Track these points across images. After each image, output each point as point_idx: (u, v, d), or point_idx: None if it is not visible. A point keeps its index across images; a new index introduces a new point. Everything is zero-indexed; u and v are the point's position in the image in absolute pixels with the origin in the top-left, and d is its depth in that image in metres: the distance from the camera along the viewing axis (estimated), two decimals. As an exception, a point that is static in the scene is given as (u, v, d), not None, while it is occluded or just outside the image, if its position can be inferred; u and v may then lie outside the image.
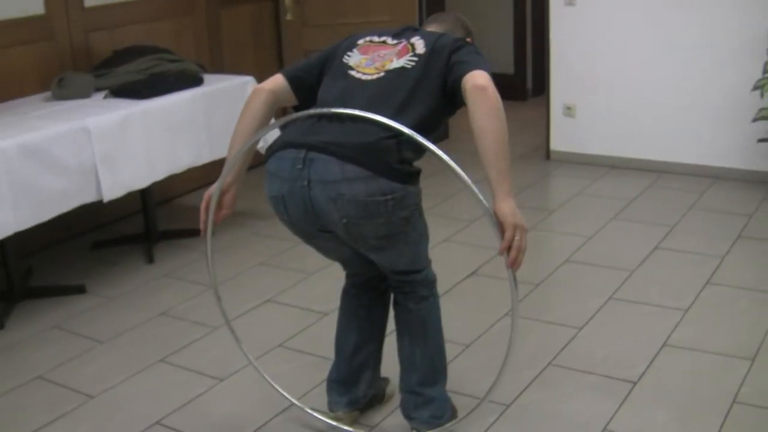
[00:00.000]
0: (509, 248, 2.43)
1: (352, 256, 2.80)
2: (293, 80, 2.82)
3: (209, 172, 5.57)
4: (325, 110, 2.56)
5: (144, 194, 4.72)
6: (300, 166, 2.50)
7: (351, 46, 2.80)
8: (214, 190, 2.78)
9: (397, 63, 2.67)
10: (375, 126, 2.46)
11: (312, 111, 2.57)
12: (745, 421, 2.99)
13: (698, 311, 3.81)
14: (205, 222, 2.80)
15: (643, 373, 3.32)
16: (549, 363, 3.43)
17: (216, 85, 4.67)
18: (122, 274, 4.49)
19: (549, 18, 6.03)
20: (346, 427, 2.96)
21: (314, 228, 2.61)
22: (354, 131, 2.50)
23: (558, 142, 6.17)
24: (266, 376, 3.07)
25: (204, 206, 2.81)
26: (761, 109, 5.06)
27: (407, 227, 2.58)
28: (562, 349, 3.54)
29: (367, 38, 2.81)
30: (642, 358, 3.43)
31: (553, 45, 6.04)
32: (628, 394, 3.18)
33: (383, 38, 2.80)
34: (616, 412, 3.08)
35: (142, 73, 4.64)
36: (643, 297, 3.97)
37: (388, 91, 2.60)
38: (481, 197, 2.37)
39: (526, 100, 8.22)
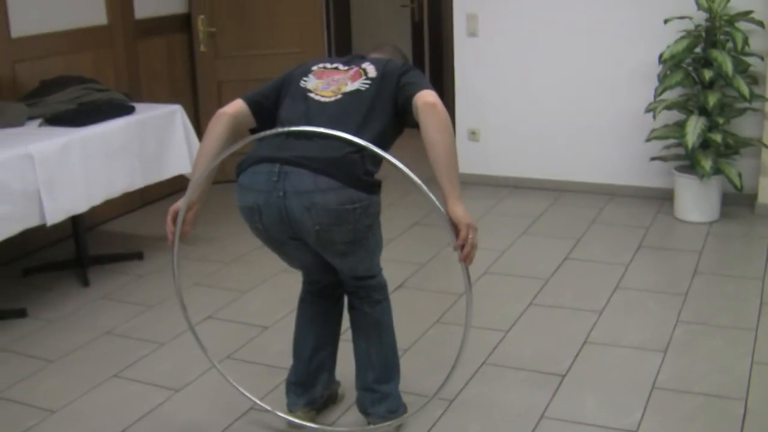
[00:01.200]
0: (463, 246, 2.70)
1: (314, 263, 3.03)
2: (253, 104, 3.04)
3: (129, 201, 5.74)
4: (300, 129, 2.77)
5: (75, 220, 4.83)
6: (275, 179, 2.73)
7: (306, 72, 3.05)
8: (180, 205, 2.95)
9: (352, 86, 2.93)
10: (340, 142, 2.71)
11: (285, 129, 2.78)
12: (664, 403, 3.34)
13: (611, 312, 4.16)
14: (173, 233, 2.96)
15: (570, 367, 3.64)
16: (483, 362, 3.72)
17: (146, 113, 4.83)
18: (60, 298, 4.58)
19: (453, 48, 6.37)
20: (307, 423, 3.17)
21: (286, 236, 2.84)
22: (322, 147, 2.75)
23: (464, 165, 6.45)
24: (230, 380, 3.25)
25: (170, 219, 2.97)
26: (653, 130, 5.49)
27: (369, 233, 2.85)
28: (493, 350, 3.83)
29: (320, 65, 3.07)
30: (566, 355, 3.75)
31: (457, 73, 6.38)
32: (559, 386, 3.50)
33: (335, 65, 3.06)
34: (551, 401, 3.38)
35: (73, 102, 4.77)
36: (560, 302, 4.31)
37: (347, 112, 2.86)
38: (437, 203, 2.64)
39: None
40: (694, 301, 4.26)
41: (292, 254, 2.98)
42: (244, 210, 2.84)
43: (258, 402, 3.25)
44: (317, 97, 2.92)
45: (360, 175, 2.74)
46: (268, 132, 2.77)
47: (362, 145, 2.67)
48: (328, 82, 2.97)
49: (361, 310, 3.09)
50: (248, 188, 2.80)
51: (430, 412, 3.31)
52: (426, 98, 2.78)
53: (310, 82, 2.99)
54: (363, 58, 3.09)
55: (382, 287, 3.12)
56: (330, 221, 2.73)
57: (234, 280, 4.74)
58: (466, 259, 2.71)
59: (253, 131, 3.06)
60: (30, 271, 4.94)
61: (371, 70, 2.97)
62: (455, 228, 2.72)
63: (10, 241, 4.34)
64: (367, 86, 2.92)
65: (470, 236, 2.70)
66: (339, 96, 2.90)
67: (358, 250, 2.87)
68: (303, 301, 3.23)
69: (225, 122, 2.97)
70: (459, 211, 2.71)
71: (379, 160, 2.82)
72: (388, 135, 2.93)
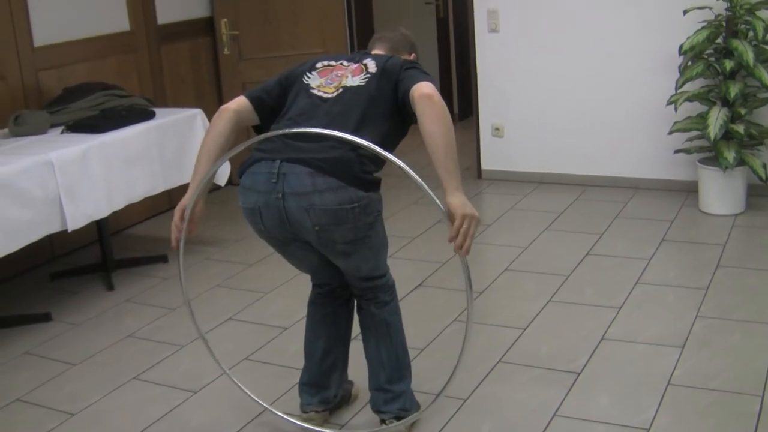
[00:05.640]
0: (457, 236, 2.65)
1: (320, 265, 3.05)
2: (255, 101, 3.04)
3: (155, 204, 5.80)
4: (296, 130, 2.78)
5: (100, 225, 4.89)
6: (274, 180, 2.76)
7: (310, 68, 3.06)
8: (186, 203, 2.95)
9: (352, 81, 2.95)
10: (338, 141, 2.73)
11: (283, 131, 2.79)
12: (679, 400, 3.32)
13: (630, 308, 4.14)
14: (180, 231, 2.97)
15: (585, 364, 3.63)
16: (499, 360, 3.72)
17: (166, 118, 4.88)
18: (84, 302, 4.66)
19: (474, 44, 6.36)
20: (315, 428, 3.19)
21: (288, 235, 2.87)
22: (321, 147, 2.77)
23: (488, 162, 6.49)
24: (239, 384, 3.29)
25: (178, 218, 2.97)
26: (676, 122, 5.45)
27: (371, 232, 2.87)
28: (510, 347, 3.83)
29: (324, 62, 3.08)
30: (583, 352, 3.74)
31: (479, 70, 6.37)
32: (573, 383, 3.49)
33: (339, 62, 3.07)
34: (564, 398, 3.38)
35: (95, 108, 4.83)
36: (580, 298, 4.30)
37: (347, 108, 2.87)
38: (435, 199, 2.61)
39: (454, 124, 8.53)
40: (716, 295, 4.22)
41: (297, 255, 3.01)
42: (246, 211, 2.88)
43: (267, 406, 3.28)
44: (319, 93, 2.94)
45: (358, 174, 2.76)
46: (275, 133, 2.79)
47: (361, 144, 2.67)
48: (331, 78, 2.99)
49: (369, 311, 3.11)
50: (249, 189, 2.84)
51: (442, 411, 3.32)
52: (422, 90, 2.76)
53: (314, 80, 3.01)
54: (366, 54, 3.11)
55: (390, 287, 3.13)
56: (329, 221, 2.76)
57: (255, 282, 4.78)
58: (460, 249, 2.65)
59: (256, 128, 3.10)
60: (57, 276, 5.02)
61: (371, 65, 2.98)
62: (451, 218, 2.67)
63: (38, 247, 4.42)
64: (367, 80, 2.93)
65: (464, 226, 2.63)
66: (340, 90, 2.92)
67: (361, 249, 2.89)
68: (312, 303, 3.26)
69: (228, 118, 2.97)
70: (455, 200, 2.66)
71: (381, 158, 2.82)
72: (391, 132, 2.93)
